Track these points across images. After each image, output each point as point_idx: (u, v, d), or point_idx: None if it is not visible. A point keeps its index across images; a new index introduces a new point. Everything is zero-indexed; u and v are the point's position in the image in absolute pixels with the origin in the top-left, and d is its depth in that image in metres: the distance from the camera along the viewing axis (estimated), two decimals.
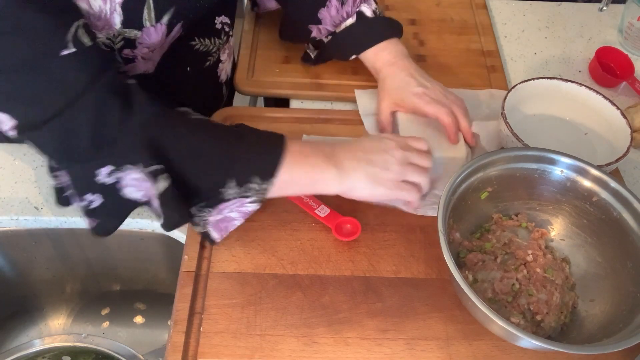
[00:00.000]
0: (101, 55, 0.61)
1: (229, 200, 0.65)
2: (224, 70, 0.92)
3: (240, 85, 0.93)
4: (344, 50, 0.87)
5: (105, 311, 0.95)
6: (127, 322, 0.95)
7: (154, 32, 0.68)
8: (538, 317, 0.65)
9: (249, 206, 0.66)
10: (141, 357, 0.78)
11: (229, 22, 0.85)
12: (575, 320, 0.67)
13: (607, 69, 0.99)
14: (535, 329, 0.65)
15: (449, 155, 0.78)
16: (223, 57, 0.89)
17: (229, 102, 1.04)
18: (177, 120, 0.64)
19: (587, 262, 0.70)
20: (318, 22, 0.84)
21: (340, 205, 0.74)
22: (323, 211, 0.74)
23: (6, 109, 0.56)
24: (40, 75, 0.55)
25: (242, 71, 0.94)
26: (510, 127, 0.76)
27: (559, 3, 1.13)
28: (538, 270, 0.68)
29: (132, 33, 0.67)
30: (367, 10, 0.84)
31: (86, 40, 0.57)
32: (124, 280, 0.93)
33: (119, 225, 0.67)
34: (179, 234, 0.79)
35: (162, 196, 0.62)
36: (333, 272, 0.70)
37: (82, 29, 0.57)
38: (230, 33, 0.87)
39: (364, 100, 0.89)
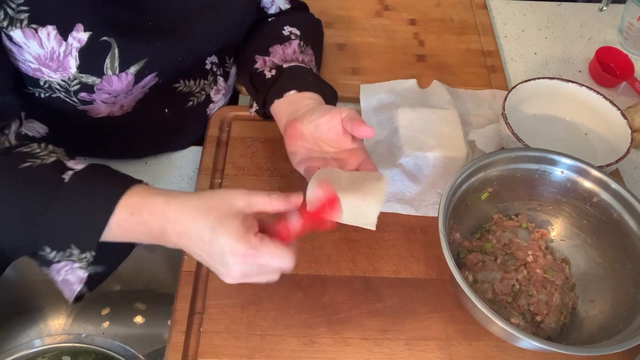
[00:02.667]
0: None
1: (58, 262, 0.60)
2: (215, 109, 0.87)
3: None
4: (287, 83, 0.77)
5: (105, 311, 0.95)
6: (127, 322, 0.95)
7: (116, 81, 0.66)
8: (538, 318, 0.65)
9: (80, 272, 0.60)
10: (141, 357, 0.78)
11: (217, 62, 0.82)
12: (575, 321, 0.67)
13: (607, 69, 0.98)
14: (535, 329, 0.65)
15: (449, 155, 0.78)
16: (216, 97, 0.85)
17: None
18: None
19: (587, 263, 0.70)
20: (266, 54, 0.81)
21: None
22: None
23: None
24: None
25: None
26: (511, 128, 0.76)
27: (559, 3, 1.13)
28: (538, 270, 0.68)
29: (90, 79, 0.65)
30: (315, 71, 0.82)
31: None
32: (124, 280, 0.93)
33: None
34: None
35: None
36: (333, 272, 0.70)
37: None
38: (219, 73, 0.83)
39: (367, 93, 0.90)
